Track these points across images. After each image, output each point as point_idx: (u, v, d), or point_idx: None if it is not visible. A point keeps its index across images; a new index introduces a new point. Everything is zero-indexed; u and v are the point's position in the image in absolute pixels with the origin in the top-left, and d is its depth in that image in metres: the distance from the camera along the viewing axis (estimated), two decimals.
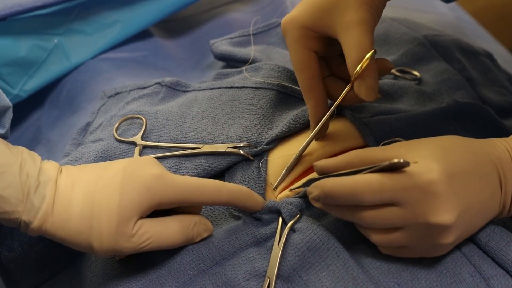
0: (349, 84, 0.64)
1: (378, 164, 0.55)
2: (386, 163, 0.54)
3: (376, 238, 0.57)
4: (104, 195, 0.56)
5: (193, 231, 0.60)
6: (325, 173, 0.60)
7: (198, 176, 0.67)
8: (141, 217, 0.57)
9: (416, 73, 0.84)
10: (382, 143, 0.68)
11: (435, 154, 0.55)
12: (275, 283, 0.58)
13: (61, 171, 0.58)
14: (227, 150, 0.69)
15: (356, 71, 0.60)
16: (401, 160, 0.53)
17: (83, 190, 0.56)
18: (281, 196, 0.67)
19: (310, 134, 0.68)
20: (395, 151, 0.58)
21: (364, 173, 0.56)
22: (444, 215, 0.53)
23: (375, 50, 0.60)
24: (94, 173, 0.58)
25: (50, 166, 0.58)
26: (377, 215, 0.55)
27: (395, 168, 0.55)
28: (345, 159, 0.60)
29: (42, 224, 0.55)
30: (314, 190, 0.58)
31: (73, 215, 0.55)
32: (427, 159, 0.55)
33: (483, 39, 1.15)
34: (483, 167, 0.57)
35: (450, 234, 0.55)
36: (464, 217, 0.55)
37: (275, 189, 0.68)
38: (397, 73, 0.85)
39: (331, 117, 0.68)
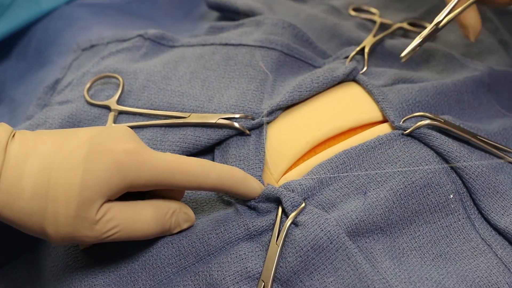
0: None
1: None
2: None
3: None
4: (63, 170, 0.51)
5: (170, 221, 0.56)
6: None
7: (182, 152, 0.64)
8: (108, 200, 0.52)
9: (428, 25, 0.80)
10: (404, 119, 0.63)
11: None
12: None
13: (13, 136, 0.53)
14: (218, 122, 0.64)
15: None
16: None
17: (38, 162, 0.51)
18: (283, 180, 0.63)
19: (320, 102, 0.66)
20: None
21: None
22: None
23: None
24: (55, 142, 0.53)
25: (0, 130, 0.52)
26: None
27: None
28: None
29: None
30: None
31: (24, 192, 0.50)
32: None
33: None
34: None
35: None
36: None
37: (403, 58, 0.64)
38: (408, 27, 0.81)
39: None
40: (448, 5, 0.63)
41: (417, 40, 0.62)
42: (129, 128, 0.56)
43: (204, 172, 0.55)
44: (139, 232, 0.54)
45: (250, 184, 0.57)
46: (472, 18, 0.65)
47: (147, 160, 0.53)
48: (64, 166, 0.51)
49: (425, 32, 0.63)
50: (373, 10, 0.83)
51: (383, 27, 0.80)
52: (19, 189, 0.50)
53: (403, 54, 0.63)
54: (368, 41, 0.73)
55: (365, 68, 0.70)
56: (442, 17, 0.63)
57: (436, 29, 0.63)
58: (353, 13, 0.83)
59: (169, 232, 0.56)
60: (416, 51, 0.63)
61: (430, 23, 0.79)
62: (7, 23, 0.85)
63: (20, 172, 0.51)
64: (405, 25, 0.80)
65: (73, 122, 0.67)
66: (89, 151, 0.51)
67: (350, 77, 0.69)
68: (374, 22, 0.80)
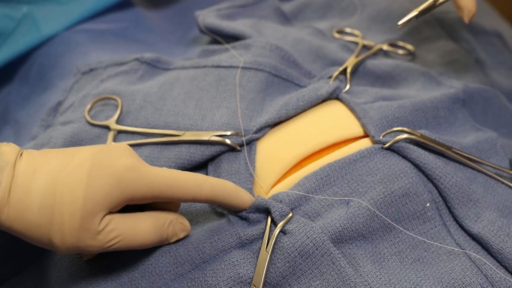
0: None
1: None
2: None
3: None
4: (68, 185, 0.52)
5: (168, 230, 0.57)
6: None
7: (178, 167, 0.65)
8: (110, 212, 0.53)
9: (409, 46, 0.82)
10: (384, 134, 0.65)
11: None
12: None
13: (21, 155, 0.54)
14: (211, 139, 0.65)
15: None
16: None
17: (45, 178, 0.52)
18: (272, 192, 0.64)
19: (305, 119, 0.66)
20: None
21: None
22: None
23: None
24: (59, 159, 0.54)
25: (8, 149, 0.53)
26: None
27: None
28: None
29: None
30: None
31: (32, 206, 0.51)
32: None
33: (491, 19, 1.12)
34: None
35: None
36: None
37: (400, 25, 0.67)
38: (389, 48, 0.82)
39: None
40: None
41: (414, 13, 0.65)
42: (127, 145, 0.57)
43: (198, 185, 0.56)
44: (139, 241, 0.54)
45: (240, 196, 0.58)
46: (468, 1, 0.66)
47: (144, 175, 0.53)
48: (68, 181, 0.52)
49: (422, 6, 0.65)
50: (356, 32, 0.83)
51: (365, 48, 0.80)
52: (28, 204, 0.51)
53: (399, 23, 0.65)
54: (350, 62, 0.74)
55: (347, 87, 0.71)
56: None
57: (434, 6, 0.65)
58: (337, 35, 0.83)
59: (167, 241, 0.57)
60: (412, 22, 0.66)
61: (410, 44, 0.83)
62: (10, 49, 0.86)
63: (28, 188, 0.51)
64: (385, 46, 0.81)
65: (75, 141, 0.68)
66: (91, 167, 0.52)
67: (334, 96, 0.70)
68: (356, 43, 0.81)
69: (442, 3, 0.66)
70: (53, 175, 0.52)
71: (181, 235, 0.58)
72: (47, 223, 0.51)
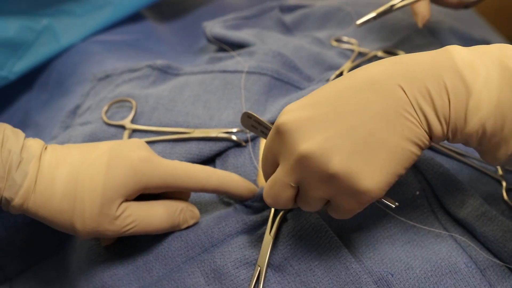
0: None
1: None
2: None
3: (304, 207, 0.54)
4: (88, 175, 0.55)
5: (179, 217, 0.60)
6: None
7: (188, 162, 0.67)
8: (126, 200, 0.56)
9: (402, 53, 0.83)
10: None
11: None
12: (266, 271, 0.58)
13: (46, 149, 0.57)
14: (218, 135, 0.68)
15: None
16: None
17: (67, 169, 0.56)
18: None
19: None
20: None
21: None
22: (302, 144, 0.48)
23: None
24: (80, 152, 0.57)
25: (34, 143, 0.57)
26: (269, 181, 0.53)
27: None
28: None
29: (24, 202, 0.55)
30: None
31: (56, 194, 0.55)
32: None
33: (481, 29, 1.14)
34: (363, 82, 0.50)
35: (328, 157, 0.48)
36: (337, 136, 0.48)
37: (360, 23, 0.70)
38: (383, 54, 0.84)
39: None
40: None
41: (372, 14, 0.69)
42: (142, 140, 0.60)
43: (207, 176, 0.59)
44: (153, 226, 0.58)
45: (245, 186, 0.62)
46: (423, 8, 0.71)
47: (158, 166, 0.57)
48: (89, 171, 0.55)
49: (380, 9, 0.70)
50: (353, 40, 0.85)
51: (361, 55, 0.82)
52: (52, 192, 0.55)
53: (357, 22, 0.69)
54: (347, 66, 0.77)
55: None
56: (398, 1, 0.70)
57: (390, 10, 0.70)
58: (334, 43, 0.85)
59: (178, 228, 0.61)
60: (370, 22, 0.70)
61: (403, 51, 0.85)
62: (31, 58, 0.88)
63: (52, 177, 0.55)
64: (380, 53, 0.83)
65: (93, 139, 0.70)
66: (109, 159, 0.56)
67: None
68: (353, 51, 0.83)
69: (398, 8, 0.70)
70: (75, 166, 0.56)
71: (191, 222, 0.61)
72: (69, 209, 0.55)
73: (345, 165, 0.48)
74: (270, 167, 0.54)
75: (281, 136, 0.50)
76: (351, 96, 0.49)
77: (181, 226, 0.61)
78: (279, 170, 0.52)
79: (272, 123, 0.68)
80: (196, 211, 0.62)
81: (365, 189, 0.48)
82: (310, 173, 0.49)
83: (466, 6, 0.72)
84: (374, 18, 0.70)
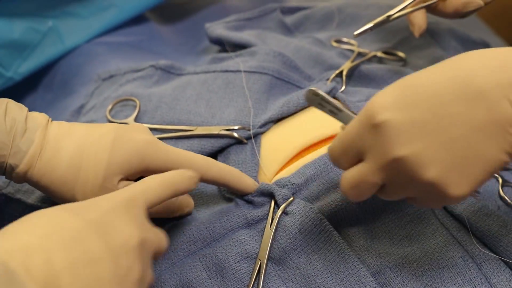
0: None
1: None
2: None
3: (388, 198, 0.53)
4: (94, 148, 0.56)
5: (175, 204, 0.61)
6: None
7: None
8: (127, 179, 0.57)
9: (401, 54, 0.85)
10: None
11: (392, 85, 0.50)
12: (266, 265, 0.58)
13: (51, 121, 0.58)
14: (220, 132, 0.69)
15: None
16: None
17: (74, 142, 0.56)
18: (275, 179, 0.67)
19: (305, 115, 0.69)
20: None
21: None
22: (400, 148, 0.47)
23: None
24: (86, 128, 0.58)
25: (39, 115, 0.58)
26: (353, 177, 0.51)
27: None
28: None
29: (28, 170, 0.56)
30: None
31: (61, 164, 0.56)
32: (379, 93, 0.50)
33: (480, 31, 1.14)
34: (466, 88, 0.47)
35: (425, 167, 0.47)
36: (436, 146, 0.47)
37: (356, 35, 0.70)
38: (382, 55, 0.85)
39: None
40: (402, 4, 0.70)
41: (369, 25, 0.70)
42: (145, 126, 0.61)
43: (207, 165, 0.60)
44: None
45: (245, 181, 0.63)
46: (420, 18, 0.72)
47: (161, 149, 0.58)
48: (95, 145, 0.56)
49: (377, 20, 0.70)
50: (352, 41, 0.86)
51: (360, 55, 0.83)
52: (57, 161, 0.56)
53: (355, 33, 0.69)
54: (346, 66, 0.78)
55: (343, 87, 0.74)
56: (394, 12, 0.70)
57: (387, 20, 0.70)
58: (334, 44, 0.86)
59: (173, 214, 0.61)
60: (367, 32, 0.70)
61: (402, 52, 0.86)
62: (35, 60, 0.89)
63: (58, 148, 0.56)
64: (379, 53, 0.84)
65: None
66: (115, 136, 0.57)
67: (331, 95, 0.73)
68: (352, 51, 0.84)
69: (395, 18, 0.71)
70: (81, 139, 0.57)
71: (186, 210, 0.62)
72: (72, 180, 0.55)
73: (440, 176, 0.47)
74: (348, 159, 0.51)
75: (376, 133, 0.48)
76: (453, 104, 0.47)
77: (176, 213, 0.61)
78: (366, 167, 0.50)
79: (273, 120, 0.70)
80: (191, 201, 0.63)
81: (454, 196, 0.48)
82: (402, 177, 0.48)
83: (462, 16, 0.72)
84: (371, 29, 0.70)
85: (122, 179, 0.57)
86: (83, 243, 0.42)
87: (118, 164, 0.56)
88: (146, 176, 0.53)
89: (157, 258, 0.50)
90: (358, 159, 0.51)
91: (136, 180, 0.57)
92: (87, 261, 0.42)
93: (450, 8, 0.71)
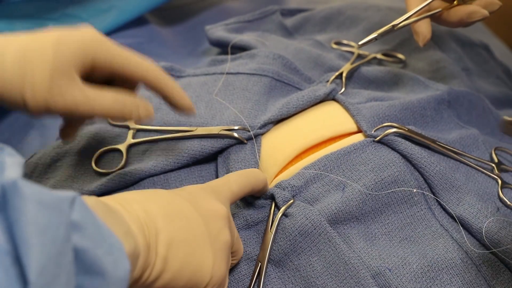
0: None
1: None
2: None
3: None
4: (38, 47, 0.54)
5: (131, 108, 0.59)
6: None
7: (190, 158, 0.68)
8: (89, 81, 0.56)
9: (401, 56, 0.86)
10: (375, 129, 0.69)
11: None
12: (266, 267, 0.59)
13: None
14: (220, 133, 0.69)
15: None
16: None
17: (17, 45, 0.54)
18: (275, 181, 0.67)
19: (305, 117, 0.69)
20: None
21: None
22: None
23: None
24: (29, 33, 0.56)
25: None
26: None
27: None
28: None
29: None
30: None
31: (6, 66, 0.53)
32: None
33: (480, 33, 1.15)
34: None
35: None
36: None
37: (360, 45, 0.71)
38: (383, 57, 0.85)
39: None
40: (406, 14, 0.70)
41: (374, 35, 0.70)
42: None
43: (154, 68, 0.59)
44: (99, 106, 0.56)
45: (180, 93, 0.61)
46: (424, 28, 0.72)
47: (108, 46, 0.56)
48: (38, 45, 0.54)
49: (382, 30, 0.70)
50: (352, 43, 0.87)
51: (360, 57, 0.84)
52: (2, 65, 0.53)
53: (360, 43, 0.69)
54: (346, 67, 0.78)
55: (343, 89, 0.75)
56: (399, 21, 0.70)
57: (392, 30, 0.71)
58: (334, 46, 0.87)
59: (129, 118, 0.59)
60: (372, 42, 0.70)
61: (402, 54, 0.87)
62: None
63: (2, 53, 0.53)
64: (379, 55, 0.85)
65: (98, 138, 0.71)
66: (59, 34, 0.55)
67: (330, 97, 0.74)
68: (352, 53, 0.84)
69: (399, 28, 0.71)
70: (24, 43, 0.54)
71: (144, 117, 0.60)
72: (19, 78, 0.53)
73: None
74: None
75: None
76: None
77: (134, 117, 0.59)
78: None
79: (273, 121, 0.70)
80: (150, 109, 0.61)
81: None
82: None
83: (465, 25, 0.73)
84: (375, 38, 0.71)
85: (82, 82, 0.55)
86: (177, 206, 0.51)
87: (64, 59, 0.54)
88: (96, 75, 0.55)
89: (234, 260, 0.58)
90: None
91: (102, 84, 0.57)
92: (181, 217, 0.50)
93: (454, 17, 0.72)
